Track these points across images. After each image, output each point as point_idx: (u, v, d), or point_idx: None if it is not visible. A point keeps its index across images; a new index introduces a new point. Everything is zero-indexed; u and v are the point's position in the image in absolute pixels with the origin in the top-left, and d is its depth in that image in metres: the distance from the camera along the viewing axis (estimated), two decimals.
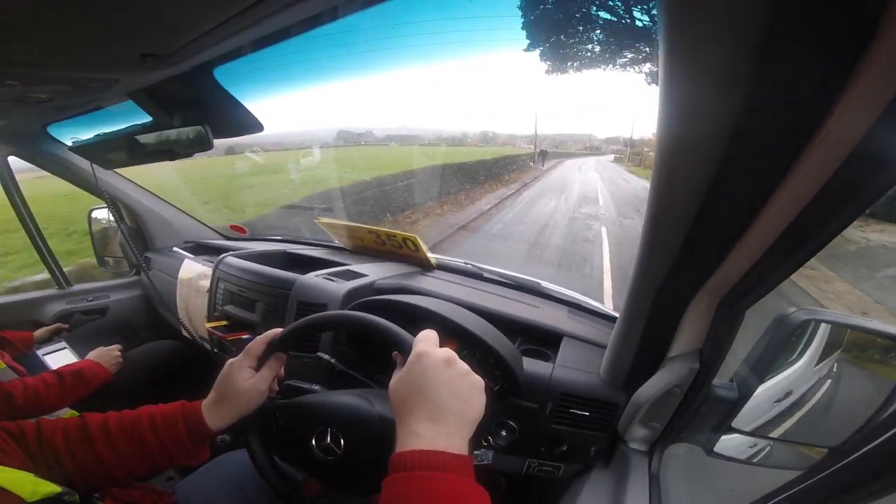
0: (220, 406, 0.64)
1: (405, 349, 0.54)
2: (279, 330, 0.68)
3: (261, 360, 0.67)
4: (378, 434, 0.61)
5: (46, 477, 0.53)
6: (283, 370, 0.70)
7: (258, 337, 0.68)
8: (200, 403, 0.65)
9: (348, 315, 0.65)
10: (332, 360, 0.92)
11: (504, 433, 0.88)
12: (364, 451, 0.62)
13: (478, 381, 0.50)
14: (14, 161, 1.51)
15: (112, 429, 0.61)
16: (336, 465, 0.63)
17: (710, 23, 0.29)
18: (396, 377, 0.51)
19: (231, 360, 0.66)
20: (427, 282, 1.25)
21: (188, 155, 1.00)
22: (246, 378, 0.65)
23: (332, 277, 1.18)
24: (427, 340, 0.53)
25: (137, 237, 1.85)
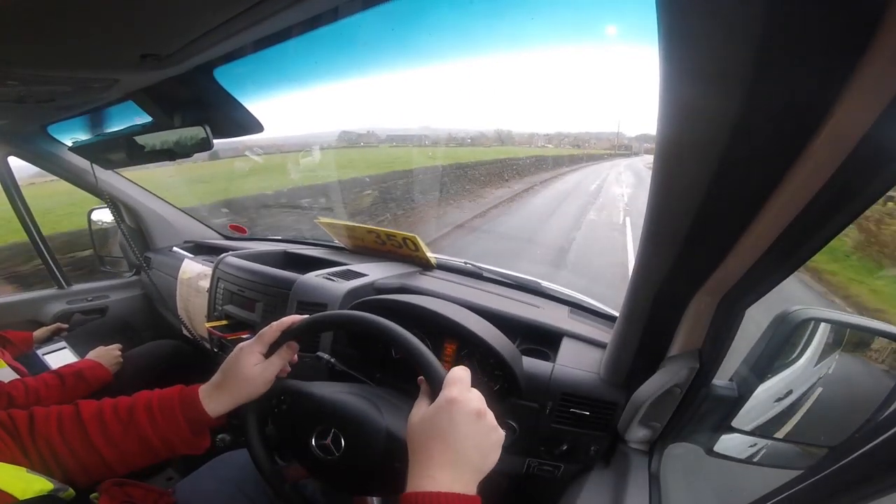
0: (220, 390, 0.63)
1: (435, 384, 0.53)
2: (296, 317, 0.66)
3: (272, 347, 0.65)
4: (381, 446, 0.60)
5: (41, 469, 0.52)
6: (296, 356, 0.69)
7: (273, 323, 0.66)
8: (198, 388, 0.63)
9: (377, 322, 0.62)
10: (332, 360, 0.92)
11: (504, 433, 0.88)
12: (362, 459, 0.61)
13: (501, 436, 0.51)
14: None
15: (107, 415, 0.59)
16: (330, 465, 0.62)
17: (709, 22, 0.29)
18: (420, 412, 0.50)
19: (241, 344, 0.65)
20: (427, 281, 1.25)
21: (188, 155, 1.00)
22: (254, 363, 0.63)
23: (331, 277, 1.18)
24: (460, 383, 0.51)
25: (137, 237, 1.85)
